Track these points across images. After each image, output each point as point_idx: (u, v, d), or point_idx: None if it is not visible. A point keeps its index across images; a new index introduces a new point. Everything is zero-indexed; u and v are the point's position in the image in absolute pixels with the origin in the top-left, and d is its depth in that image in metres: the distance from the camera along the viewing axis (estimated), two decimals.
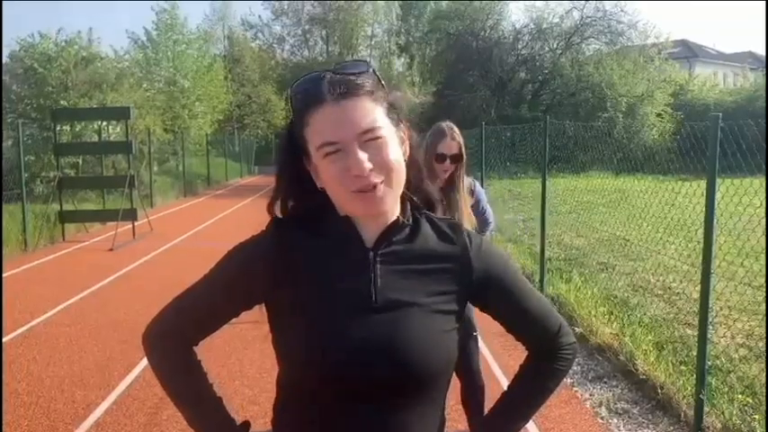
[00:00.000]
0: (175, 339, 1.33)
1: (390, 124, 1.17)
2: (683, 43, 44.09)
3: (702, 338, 3.90)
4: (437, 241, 1.25)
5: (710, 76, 35.67)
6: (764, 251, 4.52)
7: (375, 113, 1.14)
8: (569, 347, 1.37)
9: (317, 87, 1.14)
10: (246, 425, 1.35)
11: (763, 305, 5.47)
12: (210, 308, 1.31)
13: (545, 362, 1.37)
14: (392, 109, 1.19)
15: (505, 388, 1.41)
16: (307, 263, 1.22)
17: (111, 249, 10.63)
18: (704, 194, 3.86)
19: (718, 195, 3.83)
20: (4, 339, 5.83)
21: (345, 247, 1.22)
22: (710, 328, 3.92)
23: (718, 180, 3.81)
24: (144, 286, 7.93)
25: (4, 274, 8.59)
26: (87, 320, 6.49)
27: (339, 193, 1.15)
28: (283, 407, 1.30)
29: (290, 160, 1.23)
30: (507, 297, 1.30)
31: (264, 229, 1.29)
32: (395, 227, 1.22)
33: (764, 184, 4.76)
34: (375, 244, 1.21)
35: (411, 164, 1.23)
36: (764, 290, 4.27)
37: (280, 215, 1.27)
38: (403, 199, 1.23)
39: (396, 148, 1.16)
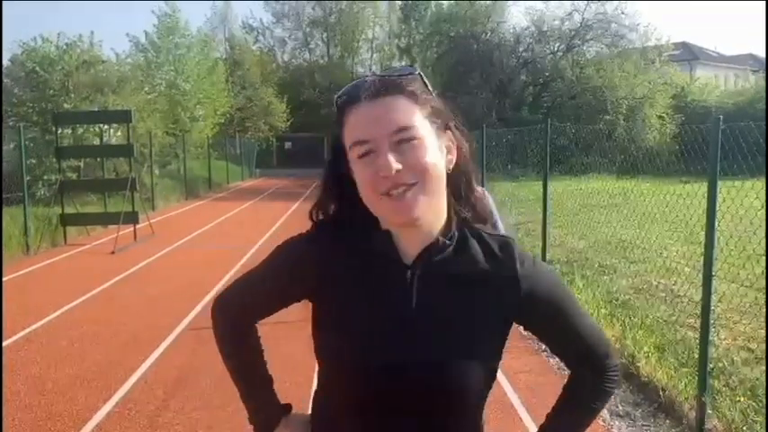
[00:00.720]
0: (241, 312, 1.40)
1: (431, 128, 1.12)
2: (684, 45, 44.13)
3: (704, 340, 3.91)
4: (484, 260, 1.20)
5: (712, 79, 35.69)
6: (764, 253, 4.52)
7: (412, 114, 1.09)
8: (615, 369, 1.35)
9: (356, 88, 1.13)
10: (288, 407, 1.44)
11: (764, 308, 5.47)
12: (270, 290, 1.33)
13: (592, 382, 1.34)
14: (436, 113, 1.15)
15: (514, 392, 1.46)
16: (346, 276, 1.20)
17: (112, 252, 10.64)
18: (705, 197, 3.87)
19: (719, 198, 3.84)
20: (5, 343, 5.84)
21: (384, 264, 1.19)
22: (712, 330, 3.92)
23: (720, 182, 3.82)
24: (146, 289, 7.94)
25: (5, 278, 8.61)
26: (89, 323, 6.49)
27: (369, 198, 1.11)
28: (322, 403, 1.33)
29: (332, 165, 1.20)
30: (553, 316, 1.26)
31: (310, 230, 1.28)
32: (436, 245, 1.16)
33: (765, 186, 4.76)
34: (414, 261, 1.17)
35: (460, 174, 1.19)
36: (765, 293, 4.27)
37: (320, 218, 1.27)
38: (449, 212, 1.19)
39: (434, 152, 1.11)
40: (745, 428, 3.65)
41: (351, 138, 1.10)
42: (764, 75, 29.67)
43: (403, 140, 1.07)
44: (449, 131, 1.18)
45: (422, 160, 1.08)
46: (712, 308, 3.91)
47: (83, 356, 5.48)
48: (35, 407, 4.44)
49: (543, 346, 5.46)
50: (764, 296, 4.07)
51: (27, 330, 6.24)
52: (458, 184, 1.19)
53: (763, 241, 4.48)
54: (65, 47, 16.87)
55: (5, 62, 17.91)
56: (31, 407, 4.44)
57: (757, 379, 4.38)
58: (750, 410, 3.87)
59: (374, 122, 1.08)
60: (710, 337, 3.89)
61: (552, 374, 4.99)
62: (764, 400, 3.97)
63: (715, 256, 3.85)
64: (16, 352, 5.62)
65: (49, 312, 6.84)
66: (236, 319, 1.41)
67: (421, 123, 1.10)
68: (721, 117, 3.84)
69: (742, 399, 4.02)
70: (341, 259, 1.22)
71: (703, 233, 3.92)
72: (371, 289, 1.19)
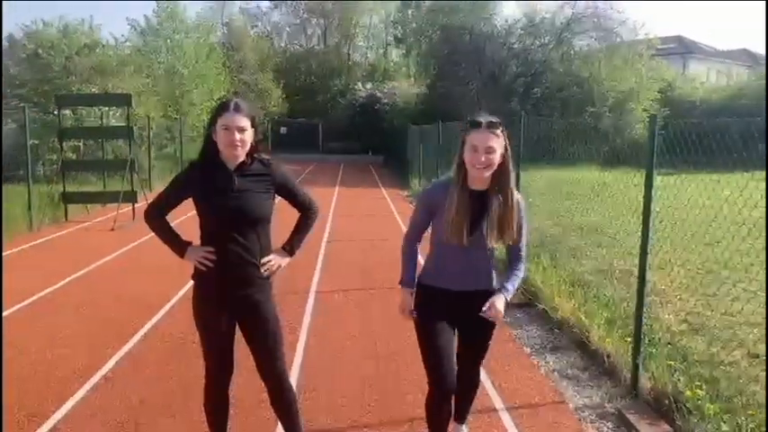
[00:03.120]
0: (157, 209, 3.19)
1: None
2: (678, 39, 44.50)
3: (639, 311, 4.45)
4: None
5: (704, 73, 36.15)
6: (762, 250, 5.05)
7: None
8: (316, 208, 3.31)
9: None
10: (190, 242, 3.11)
11: (709, 288, 6.05)
12: (169, 196, 3.18)
13: (307, 216, 3.32)
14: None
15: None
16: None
17: (112, 229, 11.15)
18: (685, 187, 4.38)
19: (653, 188, 4.36)
20: (18, 305, 6.38)
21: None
22: (647, 300, 4.46)
23: (715, 175, 4.35)
24: (144, 262, 8.48)
25: (10, 251, 9.13)
26: (92, 291, 7.04)
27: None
28: (204, 236, 3.07)
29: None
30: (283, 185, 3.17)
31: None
32: None
33: (765, 185, 5.18)
34: None
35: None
36: (764, 292, 4.67)
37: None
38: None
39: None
40: (669, 385, 4.20)
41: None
42: (755, 69, 30.18)
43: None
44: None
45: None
46: (647, 282, 4.44)
47: (87, 321, 6.01)
48: (45, 361, 4.98)
49: (529, 350, 6.03)
50: (765, 298, 4.54)
51: (35, 296, 6.78)
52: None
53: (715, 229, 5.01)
54: (64, 30, 17.26)
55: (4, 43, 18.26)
56: (42, 361, 4.98)
57: (690, 347, 4.94)
58: (678, 372, 4.43)
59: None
60: (644, 309, 4.43)
61: (537, 372, 5.55)
62: (692, 365, 4.53)
63: (650, 237, 4.38)
64: (26, 315, 6.16)
65: (54, 282, 7.38)
66: (155, 212, 3.18)
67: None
68: (656, 116, 4.37)
69: (671, 363, 4.57)
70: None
71: (665, 221, 4.45)
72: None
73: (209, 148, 2.98)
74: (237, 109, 2.91)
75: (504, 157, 2.88)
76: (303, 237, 3.24)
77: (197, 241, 3.09)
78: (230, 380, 3.18)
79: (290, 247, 3.19)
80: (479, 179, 2.92)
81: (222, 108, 2.94)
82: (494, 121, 2.86)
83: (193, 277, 3.09)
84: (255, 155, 3.03)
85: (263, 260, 3.03)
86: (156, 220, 3.16)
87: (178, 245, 3.10)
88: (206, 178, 2.97)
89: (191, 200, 3.02)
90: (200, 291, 3.09)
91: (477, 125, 2.84)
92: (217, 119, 2.92)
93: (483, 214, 2.95)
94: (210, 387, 3.17)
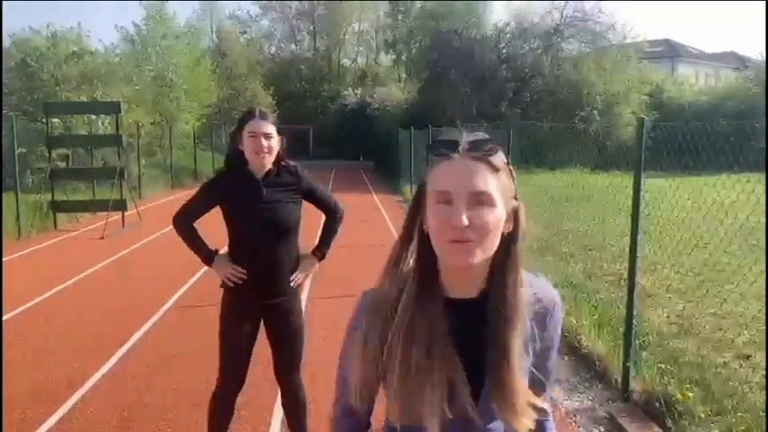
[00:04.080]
0: (185, 217, 3.16)
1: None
2: (666, 42, 44.79)
3: (629, 314, 4.46)
4: None
5: (692, 76, 36.37)
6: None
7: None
8: (341, 210, 3.38)
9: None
10: (216, 251, 3.10)
11: (697, 290, 6.08)
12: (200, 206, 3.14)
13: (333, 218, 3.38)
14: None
15: None
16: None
17: (102, 238, 11.10)
18: (639, 190, 4.39)
19: (644, 189, 4.38)
20: (5, 317, 6.33)
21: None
22: (635, 303, 4.46)
23: (709, 177, 4.37)
24: (134, 271, 8.44)
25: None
26: (81, 301, 6.99)
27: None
28: (232, 246, 3.05)
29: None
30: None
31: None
32: None
33: (765, 184, 5.19)
34: None
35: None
36: (765, 293, 4.66)
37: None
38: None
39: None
40: (659, 388, 4.21)
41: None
42: (749, 74, 30.36)
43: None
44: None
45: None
46: (636, 284, 4.45)
47: (77, 330, 5.98)
48: (36, 370, 4.95)
49: None
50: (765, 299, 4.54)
51: (25, 306, 6.73)
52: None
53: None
54: (53, 38, 17.20)
55: None
56: (33, 370, 4.94)
57: (680, 349, 4.96)
58: (667, 374, 4.43)
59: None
60: (634, 311, 4.44)
61: None
62: (683, 366, 4.55)
63: (639, 241, 4.40)
64: (15, 326, 6.11)
65: (44, 291, 7.33)
66: (182, 218, 3.12)
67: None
68: (645, 118, 4.39)
69: (662, 365, 4.58)
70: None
71: (655, 226, 4.46)
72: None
73: (236, 156, 2.98)
74: (263, 116, 2.94)
75: (513, 216, 1.29)
76: (331, 239, 3.32)
77: (221, 243, 3.11)
78: (240, 390, 3.19)
79: (320, 253, 3.27)
80: (462, 275, 1.30)
81: (247, 116, 2.95)
82: (482, 139, 1.26)
83: (222, 286, 3.09)
84: (282, 162, 3.05)
85: (292, 277, 3.09)
86: (183, 226, 3.16)
87: (205, 254, 3.10)
88: (235, 189, 2.98)
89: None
90: (229, 301, 3.10)
91: (449, 148, 1.24)
92: (243, 127, 2.93)
93: (478, 354, 1.30)
94: (220, 395, 3.18)
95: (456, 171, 1.22)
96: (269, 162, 2.96)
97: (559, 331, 1.43)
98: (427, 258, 1.29)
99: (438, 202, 1.22)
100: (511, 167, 1.29)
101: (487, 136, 1.27)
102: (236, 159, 2.98)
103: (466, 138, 1.25)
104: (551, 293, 1.41)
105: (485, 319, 1.29)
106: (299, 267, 3.14)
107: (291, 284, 3.09)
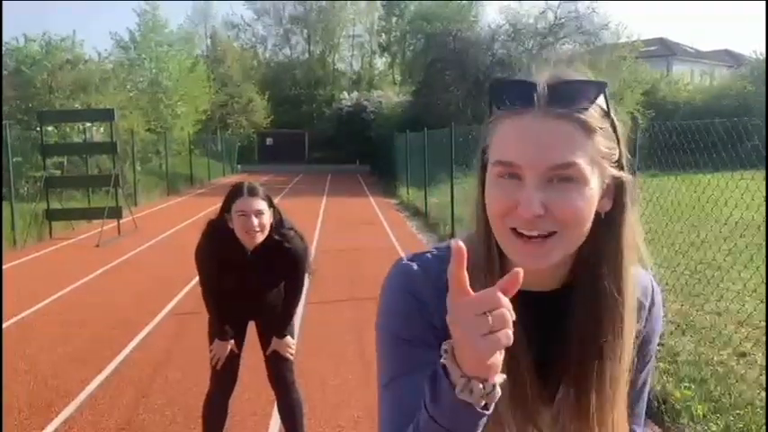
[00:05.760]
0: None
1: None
2: (661, 41, 44.88)
3: None
4: None
5: (687, 74, 36.41)
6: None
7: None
8: None
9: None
10: (227, 332, 3.07)
11: (695, 287, 6.08)
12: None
13: None
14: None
15: None
16: None
17: (97, 245, 11.07)
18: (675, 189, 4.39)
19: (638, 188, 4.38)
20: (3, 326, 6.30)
21: None
22: None
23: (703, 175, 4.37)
24: (130, 279, 8.41)
25: None
26: (77, 310, 6.97)
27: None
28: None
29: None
30: None
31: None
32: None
33: (765, 182, 5.20)
34: None
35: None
36: (765, 293, 4.66)
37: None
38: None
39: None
40: (657, 386, 4.20)
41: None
42: (744, 72, 30.44)
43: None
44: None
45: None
46: None
47: (73, 338, 5.95)
48: (32, 381, 4.92)
49: None
50: (765, 299, 4.53)
51: (20, 316, 6.70)
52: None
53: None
54: (47, 46, 17.20)
55: None
56: (29, 381, 4.92)
57: (679, 347, 4.96)
58: (665, 372, 4.43)
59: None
60: None
61: None
62: (682, 365, 4.55)
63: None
64: (12, 335, 6.08)
65: (40, 300, 7.30)
66: (210, 299, 3.10)
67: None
68: (638, 118, 4.40)
69: (661, 365, 4.58)
70: None
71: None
72: None
73: (224, 231, 2.89)
74: (252, 192, 2.83)
75: (613, 190, 0.93)
76: (288, 318, 3.22)
77: None
78: (232, 391, 3.23)
79: (280, 334, 3.20)
80: (537, 265, 0.90)
81: (235, 193, 2.84)
82: (572, 82, 0.88)
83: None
84: (276, 236, 2.95)
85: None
86: (212, 303, 3.13)
87: (217, 330, 3.11)
88: (222, 256, 2.96)
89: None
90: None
91: (520, 98, 0.87)
92: (230, 205, 2.84)
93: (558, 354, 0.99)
94: (213, 396, 3.23)
95: (529, 133, 0.86)
96: (260, 239, 2.87)
97: (659, 331, 1.10)
98: (496, 248, 0.93)
99: (500, 176, 0.88)
100: (614, 118, 0.91)
101: (579, 76, 0.90)
102: (223, 234, 2.89)
103: (546, 80, 0.87)
104: (645, 281, 1.06)
105: (566, 315, 0.96)
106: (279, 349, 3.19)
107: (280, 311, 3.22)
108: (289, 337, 3.20)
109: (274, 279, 3.09)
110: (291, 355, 3.20)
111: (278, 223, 2.94)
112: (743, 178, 4.45)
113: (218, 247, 2.94)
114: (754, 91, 25.45)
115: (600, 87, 0.88)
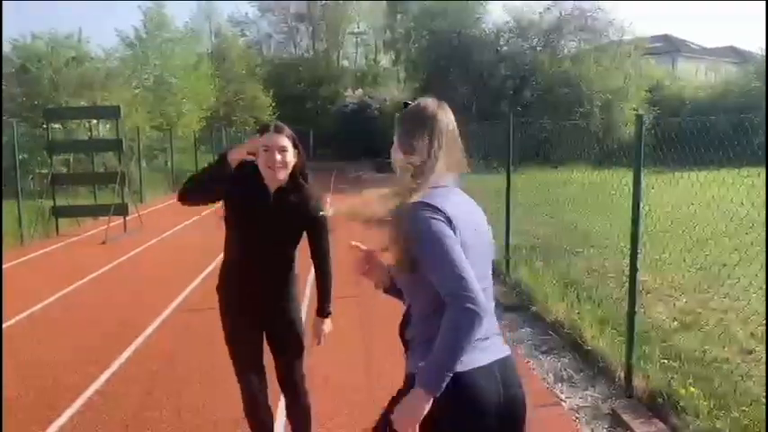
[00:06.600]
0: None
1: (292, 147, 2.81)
2: (666, 38, 44.70)
3: (631, 311, 4.45)
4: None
5: (693, 71, 36.29)
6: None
7: (288, 142, 2.87)
8: None
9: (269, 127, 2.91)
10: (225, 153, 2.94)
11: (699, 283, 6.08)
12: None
13: None
14: (294, 142, 2.82)
15: None
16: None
17: (103, 242, 11.11)
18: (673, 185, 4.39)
19: (643, 185, 4.38)
20: (5, 324, 6.34)
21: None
22: (638, 299, 4.47)
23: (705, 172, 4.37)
24: (137, 275, 8.44)
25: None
26: (84, 306, 7.01)
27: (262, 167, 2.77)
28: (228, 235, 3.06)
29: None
30: None
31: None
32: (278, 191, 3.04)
33: (765, 181, 5.20)
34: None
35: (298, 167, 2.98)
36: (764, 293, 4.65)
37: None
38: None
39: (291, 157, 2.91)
40: (662, 383, 4.21)
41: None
42: (750, 68, 30.30)
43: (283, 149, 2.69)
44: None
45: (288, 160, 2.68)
46: (638, 281, 4.45)
47: (79, 335, 5.98)
48: (39, 376, 4.95)
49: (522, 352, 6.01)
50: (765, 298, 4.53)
51: (27, 312, 6.73)
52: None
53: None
54: (53, 43, 17.24)
55: None
56: (36, 376, 4.95)
57: (683, 345, 4.96)
58: (670, 370, 4.43)
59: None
60: (636, 308, 4.44)
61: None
62: (686, 363, 4.55)
63: (640, 236, 4.40)
64: (19, 330, 6.12)
65: (46, 297, 7.33)
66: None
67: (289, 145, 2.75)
68: (643, 115, 4.39)
69: (665, 361, 4.58)
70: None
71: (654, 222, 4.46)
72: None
73: (252, 169, 2.89)
74: (278, 129, 2.87)
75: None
76: (330, 294, 3.19)
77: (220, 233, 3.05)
78: (267, 388, 3.18)
79: (324, 312, 3.18)
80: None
81: (261, 130, 2.90)
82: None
83: (218, 289, 3.08)
84: (298, 179, 2.97)
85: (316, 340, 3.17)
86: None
87: (217, 162, 2.88)
88: (245, 191, 2.91)
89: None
90: (226, 302, 3.08)
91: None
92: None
93: None
94: (252, 403, 3.16)
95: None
96: (283, 176, 2.88)
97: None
98: None
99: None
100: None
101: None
102: (250, 171, 2.90)
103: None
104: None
105: None
106: (313, 332, 3.14)
107: (290, 293, 3.13)
108: (329, 321, 3.16)
109: (294, 233, 3.01)
110: (323, 339, 3.15)
111: (302, 165, 2.97)
112: (749, 175, 4.43)
113: (242, 180, 2.90)
114: (760, 87, 25.33)
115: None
